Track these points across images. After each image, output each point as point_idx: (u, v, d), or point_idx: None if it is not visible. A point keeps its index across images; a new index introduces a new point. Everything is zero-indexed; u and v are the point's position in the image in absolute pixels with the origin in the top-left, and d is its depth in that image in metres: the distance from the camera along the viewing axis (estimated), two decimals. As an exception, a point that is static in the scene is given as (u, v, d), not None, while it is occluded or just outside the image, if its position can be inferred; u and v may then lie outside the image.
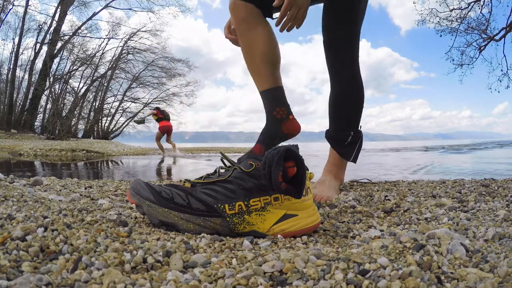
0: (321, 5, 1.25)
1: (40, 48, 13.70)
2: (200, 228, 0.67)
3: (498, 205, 0.91)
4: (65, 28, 14.34)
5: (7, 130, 12.10)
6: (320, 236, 0.70)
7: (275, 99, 1.19)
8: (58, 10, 13.61)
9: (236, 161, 0.73)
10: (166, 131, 7.43)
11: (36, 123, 14.32)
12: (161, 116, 7.50)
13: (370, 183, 1.55)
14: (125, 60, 16.19)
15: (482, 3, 8.33)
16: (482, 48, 9.15)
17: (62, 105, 14.28)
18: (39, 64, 13.86)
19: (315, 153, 6.69)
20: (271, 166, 0.65)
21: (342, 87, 1.26)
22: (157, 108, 7.90)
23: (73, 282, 0.40)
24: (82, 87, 15.16)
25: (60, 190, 1.26)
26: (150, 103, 16.63)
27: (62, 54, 14.36)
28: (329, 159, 1.34)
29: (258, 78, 1.19)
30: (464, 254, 0.50)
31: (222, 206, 0.67)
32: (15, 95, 13.59)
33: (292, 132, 1.21)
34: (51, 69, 13.88)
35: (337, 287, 0.41)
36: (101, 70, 15.65)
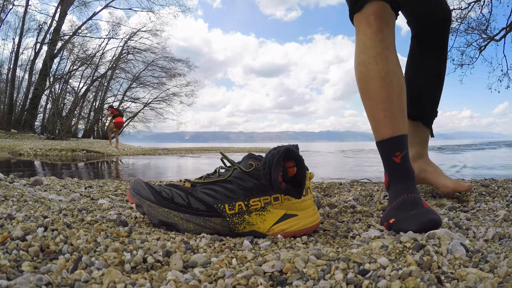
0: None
1: (40, 48, 13.70)
2: (200, 228, 0.67)
3: (498, 205, 0.91)
4: (65, 28, 14.34)
5: (7, 129, 12.09)
6: (320, 236, 0.70)
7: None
8: (58, 10, 13.60)
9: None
10: (120, 126, 9.00)
11: (36, 123, 14.32)
12: (116, 113, 8.84)
13: (370, 183, 1.55)
14: (125, 60, 16.19)
15: (482, 3, 8.32)
16: (482, 48, 9.14)
17: (62, 105, 14.27)
18: (39, 64, 13.86)
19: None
20: (271, 166, 0.65)
21: (443, 64, 1.16)
22: (111, 107, 9.49)
23: (73, 282, 0.40)
24: (82, 87, 15.17)
25: (60, 190, 1.26)
26: (150, 103, 16.63)
27: (62, 54, 14.36)
28: (425, 141, 1.16)
29: (402, 119, 0.83)
30: (464, 254, 0.50)
31: (222, 206, 0.67)
32: (15, 95, 13.59)
33: None
34: (51, 69, 13.88)
35: (337, 287, 0.41)
36: (101, 70, 15.65)
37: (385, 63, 0.83)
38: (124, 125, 16.08)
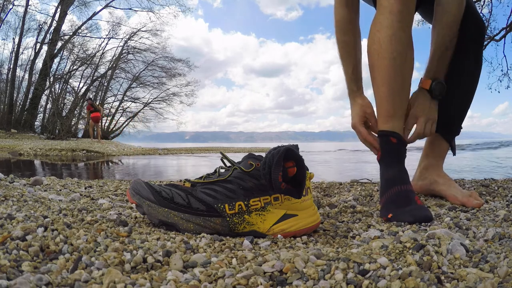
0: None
1: (40, 48, 13.68)
2: (200, 228, 0.67)
3: (498, 205, 0.91)
4: (65, 27, 14.32)
5: (7, 129, 12.08)
6: (320, 236, 0.70)
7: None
8: (58, 9, 13.59)
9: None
10: (97, 120, 9.78)
11: (36, 123, 14.29)
12: (93, 109, 9.61)
13: (370, 183, 1.55)
14: (125, 60, 16.15)
15: (482, 3, 8.30)
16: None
17: (62, 105, 14.26)
18: (39, 64, 13.84)
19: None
20: (271, 166, 0.65)
21: (477, 75, 1.12)
22: (90, 99, 10.41)
23: (73, 281, 0.40)
24: (82, 87, 15.13)
25: (60, 190, 1.26)
26: (150, 103, 16.62)
27: (62, 54, 14.34)
28: (440, 154, 1.14)
29: (404, 101, 0.91)
30: (464, 254, 0.50)
31: (222, 206, 0.67)
32: (15, 95, 13.57)
33: None
34: (51, 69, 13.86)
35: (337, 287, 0.41)
36: (101, 70, 15.62)
37: (399, 44, 0.86)
38: (124, 126, 16.13)
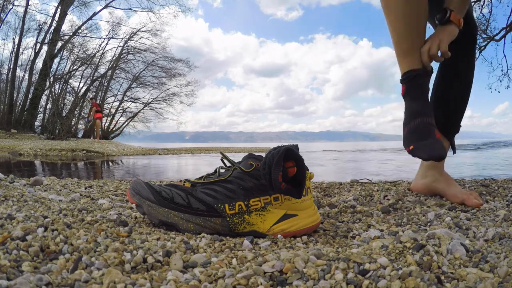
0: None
1: (40, 48, 13.68)
2: (200, 228, 0.67)
3: (498, 205, 0.91)
4: (65, 28, 14.32)
5: (7, 129, 12.08)
6: (320, 236, 0.70)
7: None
8: (58, 10, 13.59)
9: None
10: (101, 120, 10.41)
11: (36, 123, 14.29)
12: (99, 109, 10.16)
13: (370, 183, 1.55)
14: (125, 60, 16.14)
15: (482, 3, 8.28)
16: (482, 48, 9.10)
17: (62, 105, 14.25)
18: (39, 64, 13.84)
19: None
20: (271, 166, 0.65)
21: (471, 76, 1.15)
22: (94, 99, 10.79)
23: (73, 282, 0.40)
24: (82, 87, 15.13)
25: (60, 190, 1.26)
26: (150, 103, 16.62)
27: (62, 54, 14.33)
28: None
29: (421, 36, 0.91)
30: (464, 254, 0.50)
31: (222, 206, 0.67)
32: (15, 95, 13.57)
33: None
34: (51, 69, 13.85)
35: (337, 287, 0.41)
36: (101, 70, 15.61)
37: None
38: (124, 126, 16.16)
